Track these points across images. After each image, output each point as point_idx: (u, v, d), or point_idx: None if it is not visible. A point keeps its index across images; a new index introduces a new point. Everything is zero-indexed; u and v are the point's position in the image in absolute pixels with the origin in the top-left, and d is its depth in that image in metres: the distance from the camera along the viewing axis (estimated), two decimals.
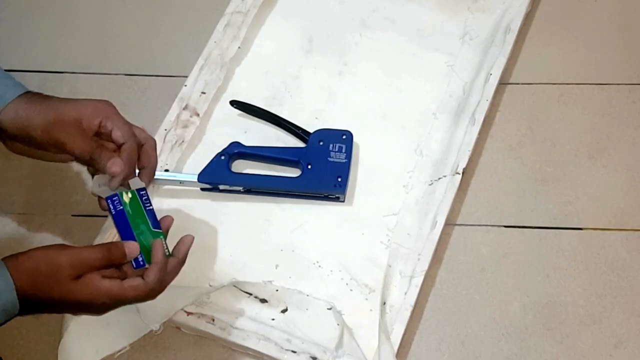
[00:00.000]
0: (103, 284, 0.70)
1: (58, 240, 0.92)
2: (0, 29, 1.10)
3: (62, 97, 0.76)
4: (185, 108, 0.98)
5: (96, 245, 0.73)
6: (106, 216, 0.90)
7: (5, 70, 0.78)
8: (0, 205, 0.96)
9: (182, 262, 0.77)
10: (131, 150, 0.76)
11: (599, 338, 0.85)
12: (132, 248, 0.73)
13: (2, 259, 0.69)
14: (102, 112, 0.76)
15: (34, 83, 1.05)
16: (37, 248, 0.70)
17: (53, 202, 0.95)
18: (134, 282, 0.72)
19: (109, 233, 0.88)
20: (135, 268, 0.74)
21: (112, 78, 1.05)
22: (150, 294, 0.73)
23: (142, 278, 0.72)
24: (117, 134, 0.75)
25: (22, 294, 0.68)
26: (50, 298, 0.69)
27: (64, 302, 0.70)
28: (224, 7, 1.04)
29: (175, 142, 0.96)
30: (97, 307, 0.72)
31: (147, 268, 0.73)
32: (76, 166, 0.98)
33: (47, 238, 0.93)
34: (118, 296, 0.71)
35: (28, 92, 0.76)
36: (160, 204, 0.93)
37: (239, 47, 1.02)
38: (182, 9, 1.10)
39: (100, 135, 0.76)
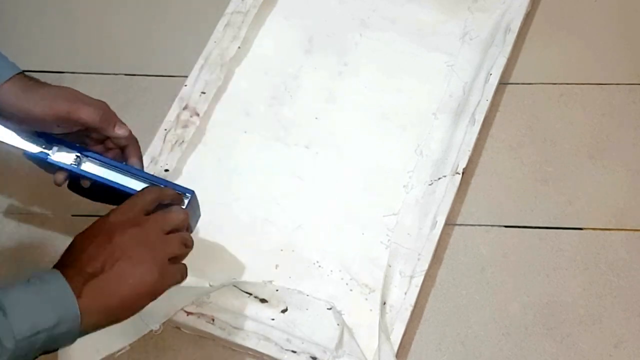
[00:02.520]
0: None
1: (59, 240, 0.92)
2: (0, 29, 1.10)
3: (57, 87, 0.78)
4: (185, 108, 0.98)
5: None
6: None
7: None
8: (0, 205, 0.96)
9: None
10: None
11: (599, 338, 0.85)
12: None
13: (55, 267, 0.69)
14: (102, 120, 0.77)
15: None
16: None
17: (53, 202, 0.95)
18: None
19: None
20: None
21: (112, 78, 1.05)
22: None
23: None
24: (119, 134, 0.78)
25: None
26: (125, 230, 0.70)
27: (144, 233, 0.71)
28: (224, 7, 1.04)
29: (175, 142, 0.96)
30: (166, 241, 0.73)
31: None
32: None
33: (47, 238, 0.93)
34: (180, 220, 0.75)
35: (21, 75, 0.76)
36: None
37: (239, 47, 1.02)
38: (182, 9, 1.10)
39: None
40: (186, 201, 0.79)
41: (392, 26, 1.06)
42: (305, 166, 0.96)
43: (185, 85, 0.99)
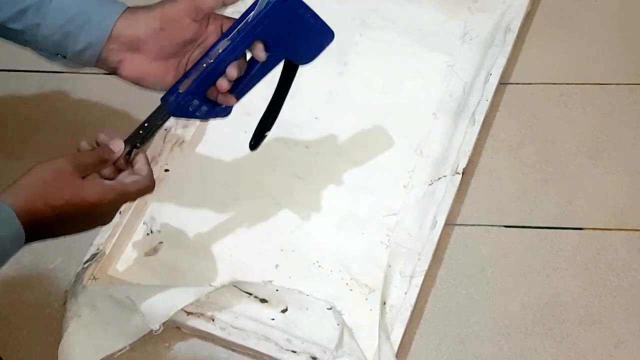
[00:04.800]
0: (107, 182, 0.72)
1: (59, 241, 0.92)
2: None
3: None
4: None
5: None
6: None
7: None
8: None
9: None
10: None
11: (599, 338, 0.85)
12: (115, 144, 0.75)
13: None
14: None
15: (34, 83, 1.05)
16: (32, 166, 0.70)
17: None
18: (132, 178, 0.74)
19: (109, 233, 0.88)
20: None
21: (112, 78, 1.04)
22: (150, 185, 0.75)
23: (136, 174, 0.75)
24: None
25: (31, 212, 0.67)
26: (60, 202, 0.68)
27: (74, 203, 0.69)
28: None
29: (175, 142, 0.96)
30: (106, 206, 0.72)
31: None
32: None
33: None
34: (123, 192, 0.73)
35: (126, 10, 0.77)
36: (159, 204, 0.93)
37: None
38: None
39: None
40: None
41: (392, 26, 1.06)
42: (305, 166, 0.96)
43: None
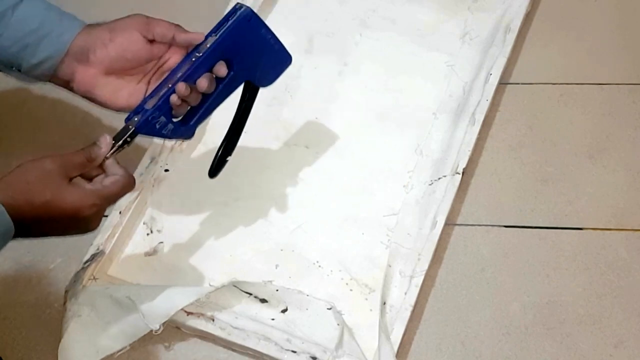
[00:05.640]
0: (88, 187, 0.72)
1: (59, 241, 0.92)
2: None
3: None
4: None
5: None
6: (106, 216, 0.89)
7: None
8: None
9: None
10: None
11: (599, 338, 0.85)
12: (103, 141, 0.74)
13: None
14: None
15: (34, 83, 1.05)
16: (21, 163, 0.71)
17: None
18: (111, 178, 0.73)
19: (109, 233, 0.88)
20: None
21: None
22: (130, 182, 0.75)
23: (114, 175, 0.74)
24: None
25: (14, 209, 0.67)
26: (40, 202, 0.68)
27: (53, 206, 0.69)
28: (224, 7, 1.04)
29: (175, 142, 0.96)
30: (88, 210, 0.71)
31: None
32: None
33: (47, 238, 0.93)
34: (104, 194, 0.72)
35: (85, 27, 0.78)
36: (159, 204, 0.93)
37: None
38: (181, 9, 1.10)
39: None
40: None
41: (392, 26, 1.06)
42: (305, 166, 0.96)
43: None
